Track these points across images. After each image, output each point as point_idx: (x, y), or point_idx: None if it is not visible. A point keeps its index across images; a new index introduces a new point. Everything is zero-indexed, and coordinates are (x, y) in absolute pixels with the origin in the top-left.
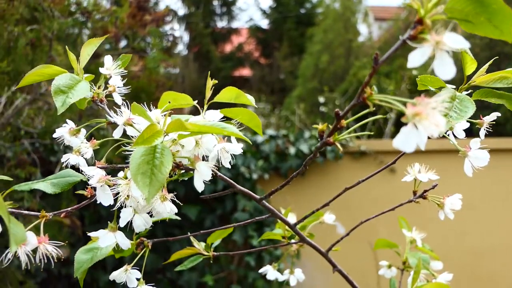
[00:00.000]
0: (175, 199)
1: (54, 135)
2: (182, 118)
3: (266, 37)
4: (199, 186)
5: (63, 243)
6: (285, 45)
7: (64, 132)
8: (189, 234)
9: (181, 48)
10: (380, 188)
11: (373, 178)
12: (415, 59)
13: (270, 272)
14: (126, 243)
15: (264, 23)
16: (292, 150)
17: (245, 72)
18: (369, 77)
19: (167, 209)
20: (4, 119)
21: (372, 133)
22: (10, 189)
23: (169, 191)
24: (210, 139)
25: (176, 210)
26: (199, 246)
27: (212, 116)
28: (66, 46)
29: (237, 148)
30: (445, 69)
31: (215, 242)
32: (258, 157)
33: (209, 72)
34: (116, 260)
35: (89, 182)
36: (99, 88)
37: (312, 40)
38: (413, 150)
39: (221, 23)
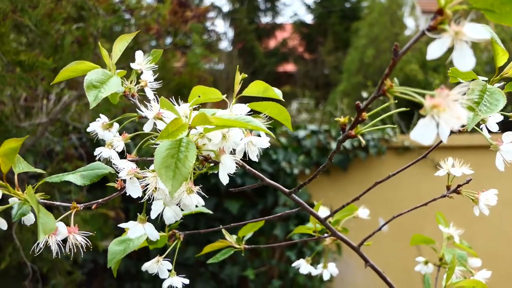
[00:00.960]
0: (201, 192)
1: (88, 129)
2: (208, 112)
3: (310, 32)
4: (224, 178)
5: (92, 233)
6: (329, 40)
7: (97, 126)
8: (221, 226)
9: (225, 45)
10: (424, 185)
11: (417, 176)
12: (434, 51)
13: (303, 266)
14: (154, 234)
15: (309, 18)
16: (333, 145)
17: (289, 67)
18: (389, 69)
19: (193, 202)
20: (53, 114)
21: (395, 126)
22: (42, 181)
23: (211, 186)
24: (237, 133)
25: (203, 203)
26: (231, 239)
27: (239, 110)
28: (99, 42)
29: (264, 141)
30: (465, 61)
31: (246, 235)
32: (299, 152)
33: (252, 68)
34: (159, 252)
35: (119, 175)
36: (131, 83)
37: (357, 34)
38: (431, 143)
39: (265, 19)
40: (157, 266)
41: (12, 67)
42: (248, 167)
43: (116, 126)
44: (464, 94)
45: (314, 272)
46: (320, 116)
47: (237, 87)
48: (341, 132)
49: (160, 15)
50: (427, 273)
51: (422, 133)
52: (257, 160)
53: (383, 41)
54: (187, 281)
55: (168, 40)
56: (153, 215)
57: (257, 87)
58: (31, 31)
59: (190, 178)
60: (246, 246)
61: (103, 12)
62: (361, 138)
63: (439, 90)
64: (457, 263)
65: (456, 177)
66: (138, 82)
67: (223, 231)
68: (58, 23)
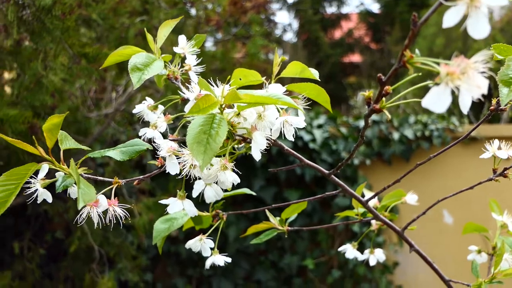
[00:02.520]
0: (235, 169)
1: (134, 111)
2: (243, 92)
3: (377, 22)
4: (256, 155)
5: (131, 206)
6: (397, 29)
7: (143, 108)
8: (264, 207)
9: (290, 36)
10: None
11: (483, 166)
12: (449, 19)
13: (349, 250)
14: (193, 210)
15: (375, 7)
16: (395, 136)
17: (355, 58)
18: (408, 40)
19: (228, 179)
20: (118, 105)
21: (419, 100)
22: (86, 156)
23: (271, 175)
24: (272, 112)
25: (238, 180)
26: (274, 220)
27: (274, 90)
28: (145, 28)
29: (300, 121)
30: (479, 28)
31: (290, 217)
32: None
33: (317, 59)
34: (221, 237)
35: (159, 153)
36: (175, 67)
37: (426, 22)
38: (444, 111)
39: (330, 9)
40: (200, 244)
41: (78, 59)
42: (286, 147)
43: (161, 108)
44: (487, 63)
45: (360, 257)
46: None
47: (275, 69)
48: (367, 107)
49: (220, 6)
50: (475, 260)
51: (435, 101)
52: (292, 140)
53: (454, 29)
54: (229, 259)
55: (233, 30)
56: (195, 194)
57: (294, 68)
58: (99, 25)
59: (225, 155)
60: (289, 228)
61: (165, 4)
62: (386, 112)
63: (457, 58)
64: (511, 251)
65: None
66: (182, 66)
67: (267, 212)
68: (123, 17)
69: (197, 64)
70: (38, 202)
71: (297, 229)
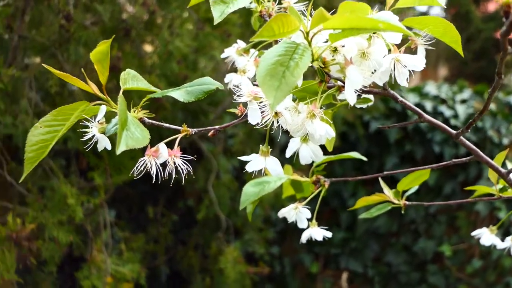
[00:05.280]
0: (324, 116)
1: (222, 55)
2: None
3: None
4: (350, 97)
5: (193, 157)
6: None
7: (232, 52)
8: (377, 174)
9: (437, 11)
10: None
11: None
12: None
13: (485, 236)
14: (277, 170)
15: None
16: None
17: None
18: None
19: (319, 131)
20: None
21: None
22: (147, 97)
23: (406, 153)
24: (379, 48)
25: (333, 134)
26: (389, 193)
27: (382, 15)
28: None
29: (418, 62)
30: None
31: (408, 189)
32: (511, 119)
33: (467, 34)
34: (350, 216)
35: (238, 100)
36: (268, 1)
37: None
38: None
39: None
40: (295, 213)
41: (202, 25)
42: (400, 98)
43: (252, 52)
44: None
45: (500, 245)
46: None
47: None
48: (504, 20)
49: None
50: None
51: None
52: (406, 86)
53: None
54: (329, 234)
55: None
56: (288, 154)
57: None
58: None
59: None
60: (407, 203)
61: None
62: None
63: None
64: None
65: None
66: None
67: (381, 183)
68: None
69: (299, 1)
70: (99, 150)
71: (417, 204)
